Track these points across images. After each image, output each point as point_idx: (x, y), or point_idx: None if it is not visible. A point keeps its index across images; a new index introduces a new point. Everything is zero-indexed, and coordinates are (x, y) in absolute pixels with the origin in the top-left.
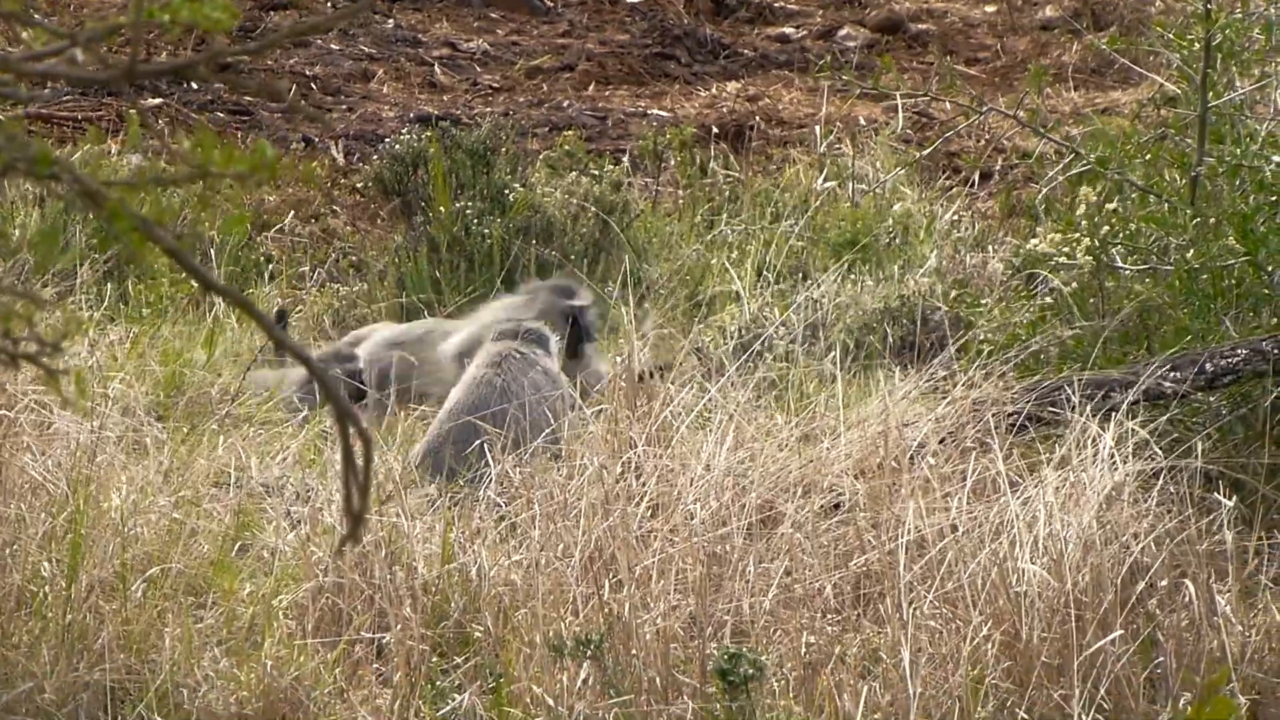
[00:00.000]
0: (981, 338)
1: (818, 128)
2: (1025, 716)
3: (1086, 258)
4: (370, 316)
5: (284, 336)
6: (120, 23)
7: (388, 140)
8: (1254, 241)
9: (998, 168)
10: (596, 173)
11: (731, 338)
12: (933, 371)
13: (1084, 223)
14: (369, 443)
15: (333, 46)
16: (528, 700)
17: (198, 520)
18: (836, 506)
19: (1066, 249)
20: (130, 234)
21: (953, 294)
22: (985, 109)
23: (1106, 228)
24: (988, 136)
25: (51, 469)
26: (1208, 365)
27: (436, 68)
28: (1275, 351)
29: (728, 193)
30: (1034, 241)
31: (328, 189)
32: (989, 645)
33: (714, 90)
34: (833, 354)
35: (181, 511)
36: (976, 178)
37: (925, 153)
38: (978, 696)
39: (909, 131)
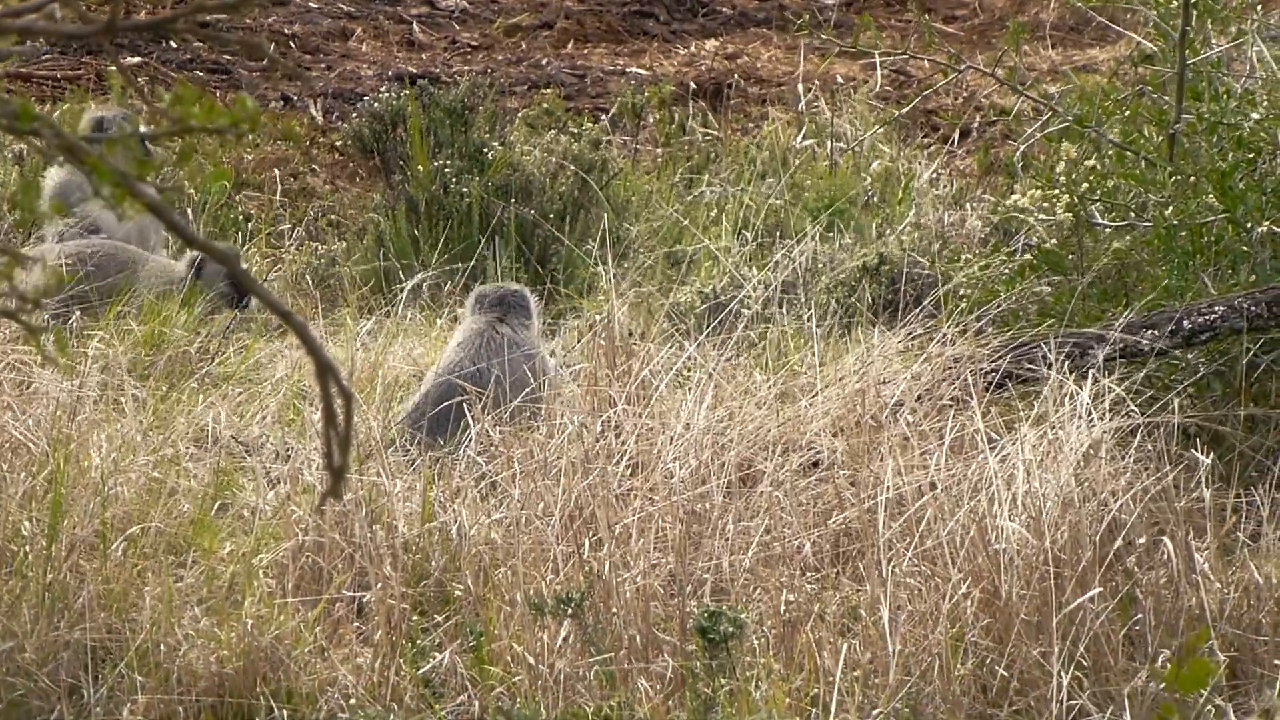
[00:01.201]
0: (960, 294)
1: (797, 86)
2: (1004, 674)
3: (1065, 214)
4: (349, 275)
5: (265, 291)
6: None
7: (366, 99)
8: (1232, 198)
9: (976, 125)
10: (575, 131)
11: (710, 297)
12: (910, 329)
13: (1063, 179)
14: (349, 398)
15: (311, 5)
16: (508, 658)
17: (178, 479)
18: (815, 465)
19: (1045, 204)
20: (112, 188)
21: (933, 248)
22: (963, 66)
23: (1085, 185)
24: (966, 95)
25: (31, 428)
26: (1185, 322)
27: (415, 26)
28: (1252, 309)
29: (707, 151)
30: (1014, 198)
31: (306, 148)
32: (968, 603)
33: (692, 48)
34: (810, 313)
35: (161, 470)
36: (955, 136)
37: (903, 111)
38: (957, 654)
39: (888, 89)
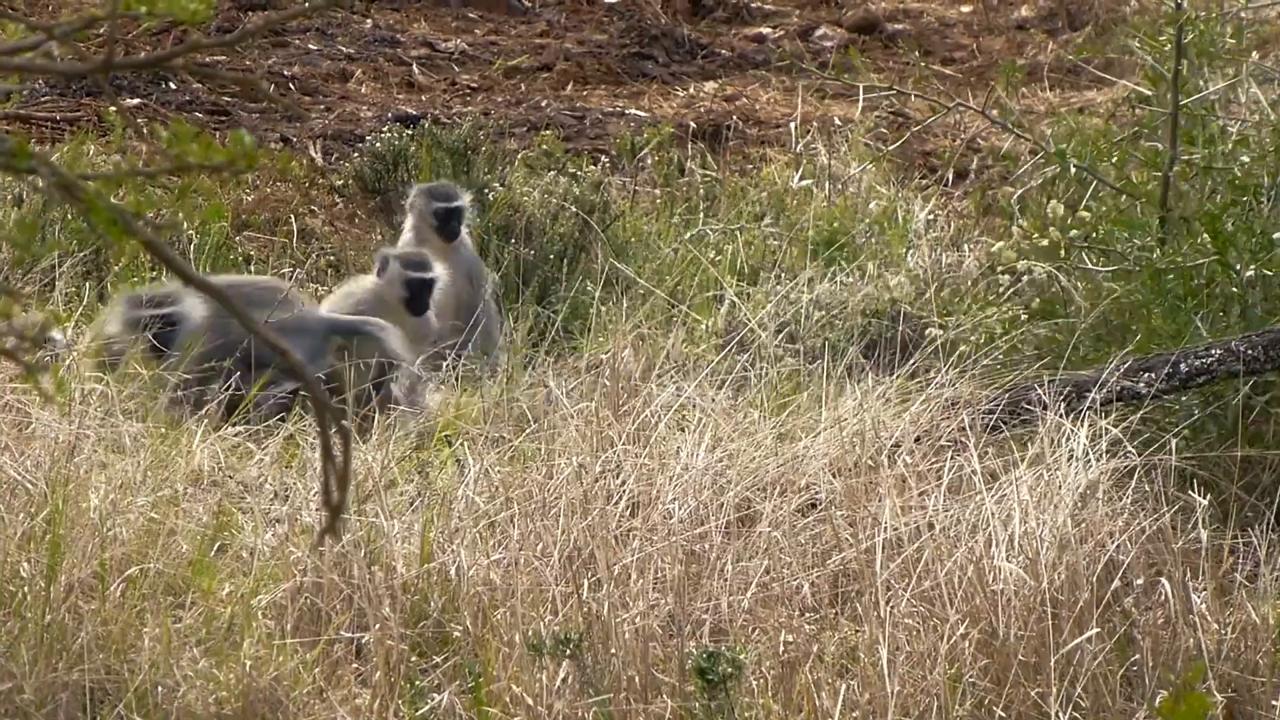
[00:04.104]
0: (955, 337)
1: (794, 126)
2: (1003, 715)
3: (1050, 266)
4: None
5: (263, 329)
6: (96, 14)
7: (368, 139)
8: (1223, 240)
9: (973, 167)
10: (575, 172)
11: (709, 337)
12: (909, 371)
13: (1053, 230)
14: (348, 436)
15: (311, 46)
16: (507, 699)
17: (176, 520)
18: (814, 505)
19: (1031, 247)
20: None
21: (930, 290)
22: (955, 104)
23: (1075, 231)
24: (963, 136)
25: (30, 469)
26: (1182, 365)
27: (415, 67)
28: (1249, 352)
29: (704, 192)
30: (998, 245)
31: (305, 189)
32: (966, 643)
33: (691, 90)
34: (809, 354)
35: (160, 511)
36: (951, 176)
37: (896, 145)
38: (955, 695)
39: (884, 130)
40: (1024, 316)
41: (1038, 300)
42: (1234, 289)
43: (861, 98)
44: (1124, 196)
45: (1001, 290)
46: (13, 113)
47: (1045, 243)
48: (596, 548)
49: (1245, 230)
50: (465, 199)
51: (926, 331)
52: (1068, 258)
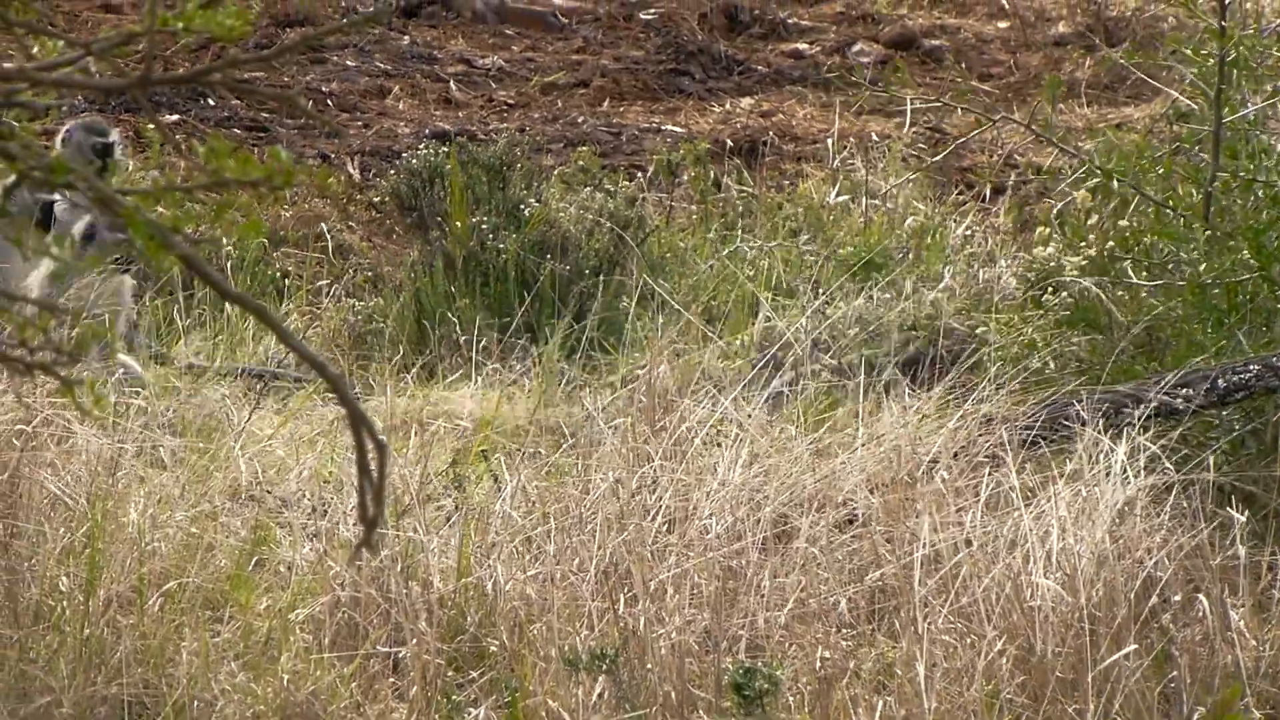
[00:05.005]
0: (994, 352)
1: (830, 142)
2: None
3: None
4: (387, 331)
5: (300, 343)
6: (134, 30)
7: (404, 156)
8: (1267, 256)
9: (1010, 182)
10: (611, 188)
11: (746, 353)
12: (946, 385)
13: (1092, 235)
14: (384, 449)
15: (349, 63)
16: (543, 714)
17: (215, 534)
18: (851, 521)
19: (1075, 257)
20: (146, 241)
21: (967, 306)
22: (997, 117)
23: (1112, 242)
24: (1001, 151)
25: (70, 483)
26: (1220, 381)
27: (452, 84)
28: None
29: (741, 207)
30: (1041, 250)
31: (343, 205)
32: (1003, 660)
33: (728, 106)
34: (847, 369)
35: (199, 525)
36: (989, 192)
37: (937, 159)
38: (992, 711)
39: (922, 145)
40: (1064, 323)
41: (1076, 306)
42: (1278, 305)
43: (908, 111)
44: (1165, 210)
45: (1043, 299)
46: (51, 128)
47: (1090, 252)
48: (633, 563)
49: None
50: (116, 134)
51: (977, 330)
52: (1110, 267)
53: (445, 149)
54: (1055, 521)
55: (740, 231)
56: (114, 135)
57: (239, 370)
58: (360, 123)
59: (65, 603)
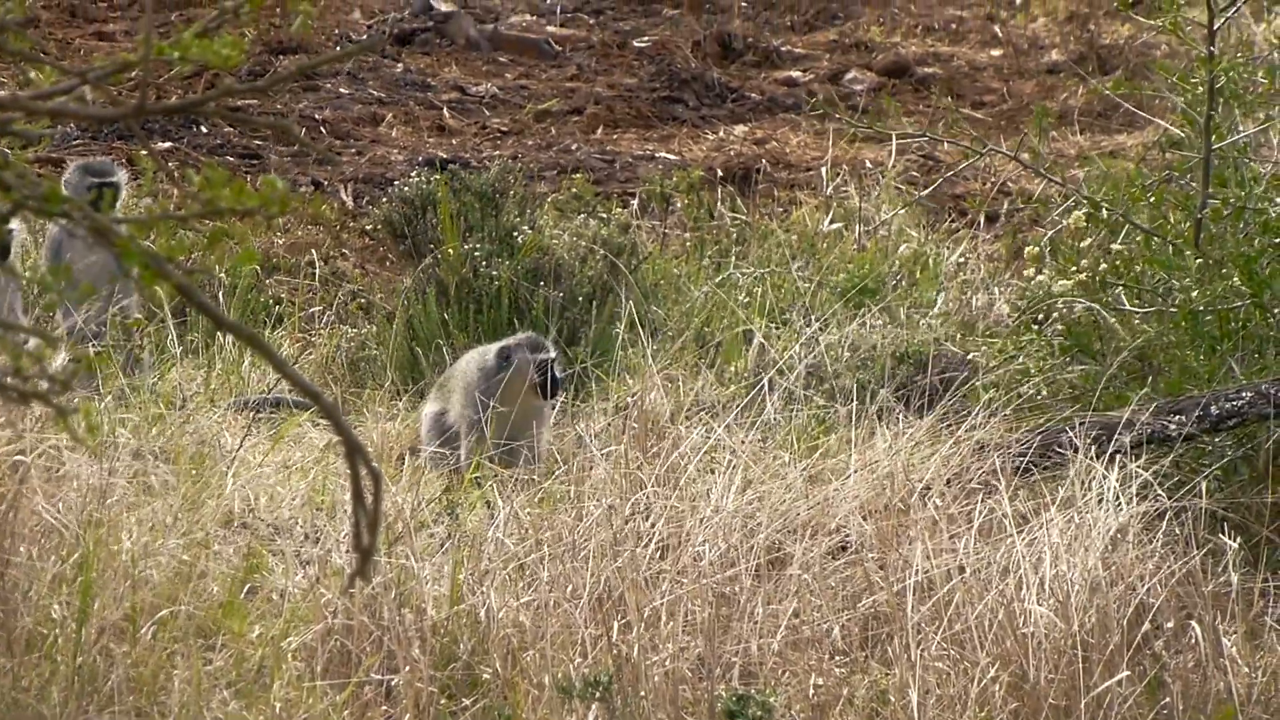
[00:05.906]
0: (987, 379)
1: (824, 170)
2: None
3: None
4: (380, 358)
5: (294, 372)
6: (129, 59)
7: (397, 183)
8: (1259, 283)
9: (1003, 210)
10: (604, 215)
11: (738, 379)
12: (940, 413)
13: (1085, 261)
14: (379, 479)
15: (342, 90)
16: None
17: (207, 562)
18: (844, 548)
19: (1068, 282)
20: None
21: (959, 333)
22: (987, 148)
23: (1104, 266)
24: (993, 179)
25: (62, 512)
26: (1212, 408)
27: (445, 111)
28: (1279, 394)
29: (734, 234)
30: (1038, 276)
31: (336, 232)
32: (996, 686)
33: (721, 133)
34: (839, 396)
35: (191, 553)
36: (982, 220)
37: (927, 191)
38: None
39: (915, 174)
40: (1061, 350)
41: (1069, 331)
42: (1270, 332)
43: (900, 145)
44: (1155, 239)
45: (1034, 326)
46: (45, 156)
47: (1080, 277)
48: (626, 590)
49: None
50: (121, 175)
51: (970, 357)
52: (1101, 292)
53: (438, 177)
54: (1048, 548)
55: (733, 258)
56: (119, 176)
57: (242, 402)
58: (353, 150)
59: (58, 631)
